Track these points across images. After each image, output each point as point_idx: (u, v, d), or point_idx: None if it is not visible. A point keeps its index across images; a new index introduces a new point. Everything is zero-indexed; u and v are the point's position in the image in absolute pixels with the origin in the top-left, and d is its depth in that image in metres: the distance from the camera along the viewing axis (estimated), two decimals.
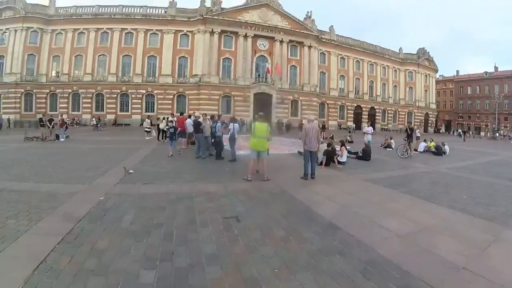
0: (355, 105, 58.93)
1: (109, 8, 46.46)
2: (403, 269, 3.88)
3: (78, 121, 42.95)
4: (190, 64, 46.70)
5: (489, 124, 71.06)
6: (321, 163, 12.05)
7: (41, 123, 22.35)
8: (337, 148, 13.80)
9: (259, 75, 47.41)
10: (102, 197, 6.72)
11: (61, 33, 45.86)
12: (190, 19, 45.80)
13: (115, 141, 21.12)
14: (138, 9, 46.86)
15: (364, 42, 60.51)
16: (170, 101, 45.81)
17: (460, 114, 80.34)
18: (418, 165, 14.54)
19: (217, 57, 45.94)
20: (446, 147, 20.02)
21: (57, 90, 45.28)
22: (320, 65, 53.99)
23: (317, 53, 52.90)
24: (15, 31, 44.00)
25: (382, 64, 62.53)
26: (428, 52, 68.68)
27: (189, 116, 17.72)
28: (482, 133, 69.17)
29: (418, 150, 19.81)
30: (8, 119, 40.07)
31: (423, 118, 66.56)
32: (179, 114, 20.17)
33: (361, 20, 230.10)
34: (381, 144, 22.68)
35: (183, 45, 46.85)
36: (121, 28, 45.91)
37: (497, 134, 59.57)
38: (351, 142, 22.68)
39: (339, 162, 12.91)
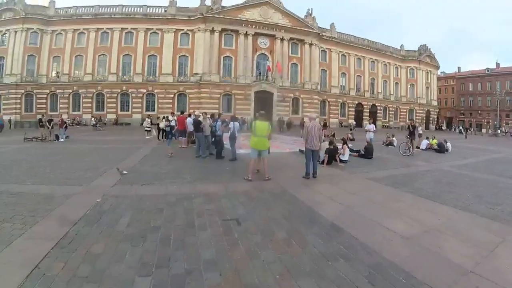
0: (356, 102, 58.67)
1: (109, 8, 46.31)
2: (409, 274, 3.73)
3: (78, 121, 42.89)
4: (191, 63, 46.52)
5: (490, 121, 70.60)
6: (322, 162, 11.89)
7: (40, 123, 22.31)
8: (339, 146, 13.63)
9: (260, 73, 47.16)
10: (99, 199, 6.57)
11: (61, 33, 45.78)
12: (191, 18, 45.57)
13: (115, 141, 20.98)
14: (138, 8, 46.67)
15: (365, 39, 60.19)
16: (171, 100, 45.71)
17: (462, 111, 79.90)
18: (421, 163, 14.36)
19: (218, 55, 45.71)
20: (448, 145, 19.80)
21: (58, 91, 45.21)
22: (321, 63, 53.71)
23: (318, 51, 52.61)
24: (15, 32, 43.92)
25: (384, 61, 62.20)
26: (430, 49, 68.21)
27: (189, 115, 17.59)
28: (484, 130, 68.73)
29: (420, 148, 19.66)
30: (10, 120, 40.16)
31: (425, 115, 66.21)
32: (179, 113, 20.05)
33: (360, 20, 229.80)
34: (382, 142, 22.50)
35: (183, 44, 46.64)
36: (121, 28, 45.76)
37: (499, 131, 59.16)
38: (352, 139, 22.52)
39: (341, 161, 12.75)
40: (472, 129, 65.22)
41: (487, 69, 76.41)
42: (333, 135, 21.48)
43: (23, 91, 43.97)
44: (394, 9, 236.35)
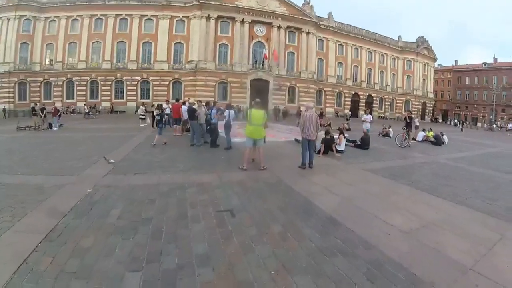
0: (353, 92, 58.42)
1: None
2: (408, 271, 3.62)
3: (73, 109, 42.16)
4: (186, 50, 45.84)
5: (486, 115, 70.80)
6: (319, 152, 11.75)
7: (33, 112, 21.96)
8: (335, 136, 13.49)
9: (256, 61, 46.67)
10: (90, 189, 6.38)
11: (55, 20, 44.81)
12: (186, 4, 44.72)
13: (109, 129, 20.69)
14: None
15: (363, 30, 59.58)
16: (166, 88, 45.16)
17: (458, 104, 79.90)
18: (417, 154, 14.30)
19: (214, 43, 45.07)
20: (445, 137, 19.77)
21: (51, 79, 44.43)
22: (318, 52, 53.18)
23: (315, 40, 52.04)
24: (8, 19, 42.92)
25: (381, 52, 61.80)
26: (427, 41, 67.96)
27: (184, 103, 17.35)
28: (479, 124, 68.90)
29: (417, 139, 19.56)
30: (4, 109, 39.49)
31: (421, 107, 66.24)
32: (174, 100, 19.79)
33: (359, 11, 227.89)
34: (379, 133, 22.38)
35: (178, 31, 45.86)
36: (116, 14, 44.82)
37: (494, 126, 59.47)
38: (348, 129, 22.39)
39: (337, 151, 12.61)
40: (467, 123, 65.55)
41: (484, 63, 76.15)
42: (329, 125, 21.32)
43: (16, 79, 43.20)
44: (394, 8, 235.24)
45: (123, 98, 45.34)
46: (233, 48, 45.93)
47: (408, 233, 4.77)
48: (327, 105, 54.15)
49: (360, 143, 15.03)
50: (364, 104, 57.78)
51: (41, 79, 44.53)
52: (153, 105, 21.35)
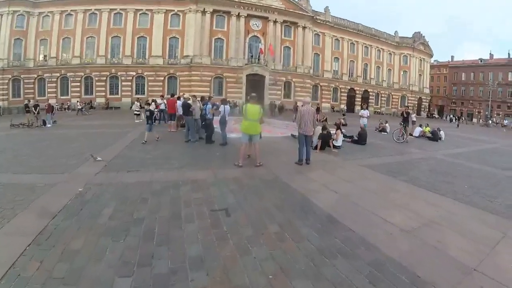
0: (349, 87, 58.18)
1: None
2: (411, 272, 3.48)
3: (68, 106, 41.51)
4: (181, 44, 45.27)
5: (481, 111, 71.05)
6: (316, 147, 11.60)
7: (26, 109, 21.60)
8: (332, 131, 13.35)
9: (252, 56, 46.23)
10: (81, 188, 6.17)
11: (48, 15, 44.08)
12: None
13: (104, 125, 20.35)
14: None
15: (360, 24, 59.23)
16: (161, 83, 44.65)
17: (453, 100, 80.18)
18: (414, 150, 14.22)
19: (209, 37, 44.58)
20: (442, 133, 19.72)
21: (45, 75, 43.77)
22: (314, 47, 52.83)
23: (312, 34, 51.71)
24: (1, 15, 42.24)
25: (377, 47, 61.57)
26: (424, 37, 67.82)
27: (178, 98, 17.11)
28: (475, 120, 69.24)
29: (414, 135, 19.49)
30: None
31: (417, 102, 66.20)
32: (169, 96, 19.55)
33: (355, 12, 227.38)
34: (375, 128, 22.33)
35: (174, 25, 45.28)
36: (110, 9, 44.08)
37: (490, 121, 59.73)
38: (345, 125, 22.27)
39: (334, 146, 12.48)
40: (463, 118, 65.76)
41: (481, 59, 76.40)
42: (326, 120, 21.18)
43: (10, 76, 42.57)
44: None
45: (118, 94, 44.79)
46: (229, 42, 45.48)
47: (409, 232, 4.64)
48: (323, 100, 53.83)
49: (357, 138, 14.92)
50: (360, 100, 57.57)
51: (35, 76, 43.87)
52: (147, 101, 21.07)
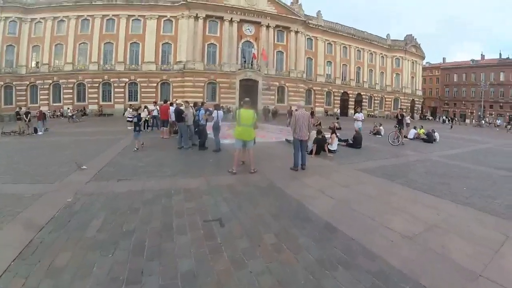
0: (342, 91, 58.34)
1: None
2: (416, 282, 3.33)
3: (61, 113, 40.87)
4: (174, 50, 45.09)
5: (474, 111, 71.61)
6: (310, 152, 11.44)
7: (17, 116, 21.29)
8: (327, 135, 13.22)
9: (245, 61, 46.15)
10: (70, 198, 5.93)
11: (41, 22, 43.69)
12: (174, 4, 44.01)
13: (96, 133, 20.03)
14: None
15: (352, 28, 59.58)
16: (154, 89, 44.33)
17: (446, 101, 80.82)
18: (410, 152, 14.16)
19: (202, 43, 44.46)
20: (436, 134, 19.73)
21: (37, 81, 43.31)
22: (307, 51, 52.94)
23: (304, 39, 51.86)
24: None
25: (369, 50, 61.91)
26: (415, 39, 68.35)
27: (171, 104, 16.90)
28: (467, 121, 69.82)
29: (408, 137, 19.45)
30: None
31: (409, 104, 66.46)
32: (162, 102, 19.36)
33: (347, 17, 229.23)
34: (370, 131, 22.25)
35: (166, 31, 45.11)
36: (102, 15, 43.82)
37: (483, 122, 60.14)
38: (339, 128, 22.18)
39: (329, 151, 12.34)
40: (456, 119, 66.20)
41: (472, 60, 77.40)
42: (319, 124, 21.06)
43: (2, 83, 41.99)
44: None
45: (110, 101, 44.36)
46: (222, 48, 45.38)
47: (411, 238, 4.48)
48: (317, 104, 53.87)
49: (352, 142, 14.80)
50: (353, 103, 57.73)
51: (27, 82, 43.40)
52: (139, 107, 20.82)
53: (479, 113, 66.54)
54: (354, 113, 24.53)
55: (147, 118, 20.71)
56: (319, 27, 54.07)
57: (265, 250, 3.98)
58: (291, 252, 3.93)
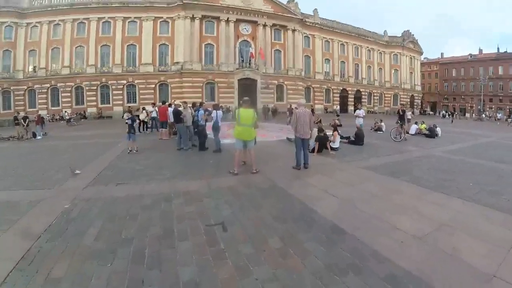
0: (341, 88, 58.24)
1: None
2: (429, 286, 3.16)
3: (60, 116, 40.77)
4: (171, 51, 44.92)
5: (474, 105, 71.57)
6: (312, 150, 11.26)
7: (15, 121, 21.03)
8: (328, 133, 13.05)
9: (242, 61, 45.95)
10: (68, 205, 5.75)
11: (36, 26, 43.44)
12: (170, 5, 43.73)
13: (95, 136, 19.89)
14: None
15: (349, 25, 59.47)
16: (152, 91, 44.15)
17: (445, 96, 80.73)
18: (412, 148, 14.02)
19: (199, 43, 44.25)
20: (438, 129, 19.56)
21: (35, 86, 43.15)
22: (304, 49, 52.84)
23: (302, 37, 51.71)
24: None
25: (367, 47, 61.82)
26: (413, 35, 68.33)
27: (169, 105, 16.73)
28: (467, 115, 69.75)
29: (410, 133, 19.29)
30: None
31: (409, 100, 66.33)
32: (160, 103, 19.19)
33: (343, 13, 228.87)
34: (371, 127, 22.08)
35: (163, 32, 44.91)
36: (98, 17, 43.58)
37: (483, 115, 60.00)
38: (339, 125, 22.02)
39: (332, 148, 12.16)
40: (456, 114, 66.10)
41: (470, 55, 77.40)
42: (320, 121, 20.91)
43: (0, 88, 41.97)
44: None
45: (109, 103, 44.17)
46: (219, 48, 45.19)
47: (421, 238, 4.31)
48: (316, 101, 53.73)
49: (354, 139, 14.62)
50: (353, 100, 57.73)
51: (25, 87, 43.24)
52: (138, 109, 20.65)
53: (479, 107, 66.43)
54: (355, 110, 24.35)
55: (146, 120, 20.55)
56: (316, 25, 53.95)
57: (270, 256, 3.80)
58: (297, 257, 3.75)
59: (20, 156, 12.76)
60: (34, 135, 20.10)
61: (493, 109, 68.25)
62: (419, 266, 3.54)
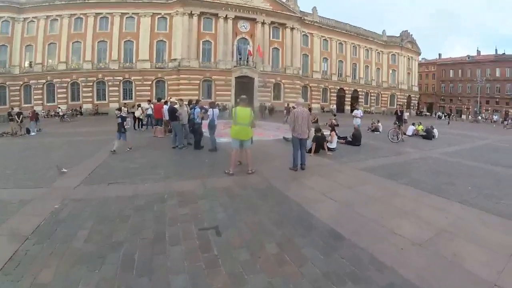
0: (338, 88, 58.21)
1: None
2: None
3: (55, 112, 40.03)
4: (169, 48, 44.60)
5: (470, 107, 71.66)
6: (309, 150, 11.11)
7: (9, 117, 20.78)
8: (326, 133, 12.91)
9: (240, 58, 45.71)
10: (58, 205, 5.58)
11: (33, 21, 43.05)
12: (168, 1, 43.48)
13: (89, 133, 19.67)
14: None
15: (348, 24, 59.34)
16: (149, 87, 43.89)
17: (442, 97, 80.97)
18: (410, 150, 13.89)
19: (197, 40, 44.01)
20: (435, 131, 19.46)
21: (31, 81, 42.81)
22: (303, 47, 52.66)
23: (300, 35, 51.52)
24: None
25: (365, 47, 61.75)
26: (411, 35, 68.30)
27: (165, 103, 16.53)
28: (464, 116, 69.79)
29: (407, 134, 19.21)
30: None
31: (406, 100, 66.39)
32: (156, 100, 18.99)
33: (342, 12, 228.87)
34: (368, 128, 21.97)
35: (161, 29, 44.58)
36: (96, 13, 43.19)
37: (480, 117, 60.16)
38: (336, 125, 21.91)
39: (329, 149, 12.03)
40: (452, 115, 66.19)
41: (468, 56, 77.55)
42: (316, 121, 20.79)
43: None
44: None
45: (105, 100, 43.83)
46: (217, 45, 44.95)
47: (421, 245, 4.20)
48: (313, 101, 53.64)
49: (351, 139, 14.50)
50: (350, 99, 57.70)
51: (21, 82, 42.88)
52: (133, 106, 20.42)
53: (475, 108, 66.48)
54: (351, 110, 24.24)
55: (141, 117, 20.35)
56: (315, 24, 53.76)
57: (266, 263, 3.65)
58: (294, 265, 3.60)
59: (13, 153, 12.54)
60: (28, 131, 19.82)
61: (489, 111, 68.35)
62: (420, 274, 3.44)
